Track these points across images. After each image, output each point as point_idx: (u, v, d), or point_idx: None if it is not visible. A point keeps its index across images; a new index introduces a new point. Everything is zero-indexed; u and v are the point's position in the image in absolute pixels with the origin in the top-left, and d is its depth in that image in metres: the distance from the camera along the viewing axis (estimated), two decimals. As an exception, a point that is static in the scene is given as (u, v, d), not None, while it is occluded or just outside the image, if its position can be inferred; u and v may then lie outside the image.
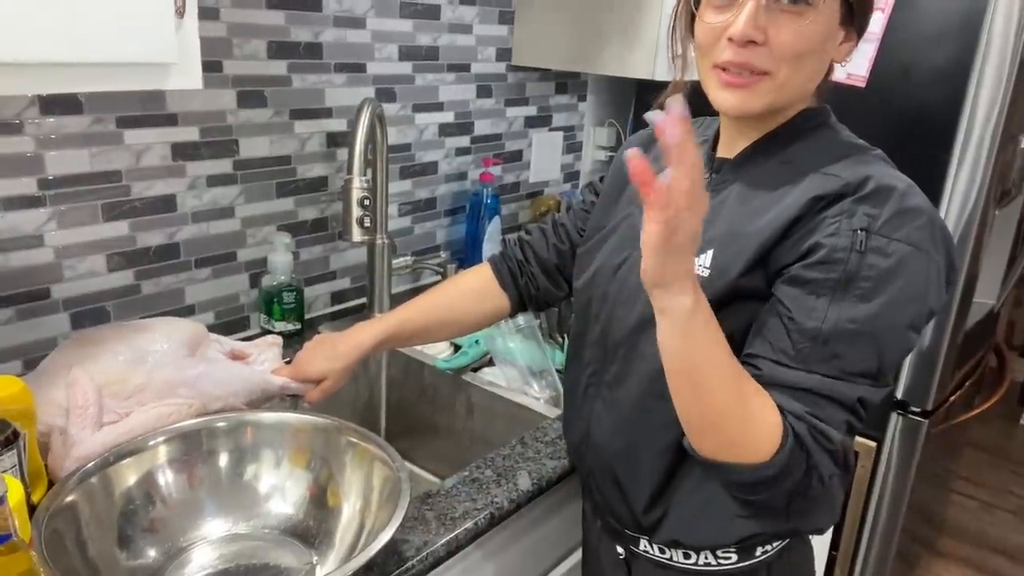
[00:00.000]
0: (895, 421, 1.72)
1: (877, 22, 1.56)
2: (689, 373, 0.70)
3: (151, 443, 0.88)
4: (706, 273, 0.76)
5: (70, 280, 1.13)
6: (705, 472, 0.79)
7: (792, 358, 0.71)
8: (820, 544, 1.84)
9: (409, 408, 1.40)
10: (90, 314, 1.16)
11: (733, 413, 0.70)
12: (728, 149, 0.84)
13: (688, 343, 0.68)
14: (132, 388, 0.92)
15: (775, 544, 0.85)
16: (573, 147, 1.97)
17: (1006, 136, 1.54)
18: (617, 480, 0.87)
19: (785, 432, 0.70)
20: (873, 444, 1.75)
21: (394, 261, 1.48)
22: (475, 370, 1.35)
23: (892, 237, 0.70)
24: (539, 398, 1.27)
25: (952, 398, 1.83)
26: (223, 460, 0.93)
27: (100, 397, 0.88)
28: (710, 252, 0.77)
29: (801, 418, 0.70)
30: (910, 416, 1.70)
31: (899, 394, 1.70)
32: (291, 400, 1.04)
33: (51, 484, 0.83)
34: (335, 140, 1.42)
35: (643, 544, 0.89)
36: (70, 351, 0.93)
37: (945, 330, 1.62)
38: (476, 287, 1.09)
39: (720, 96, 0.76)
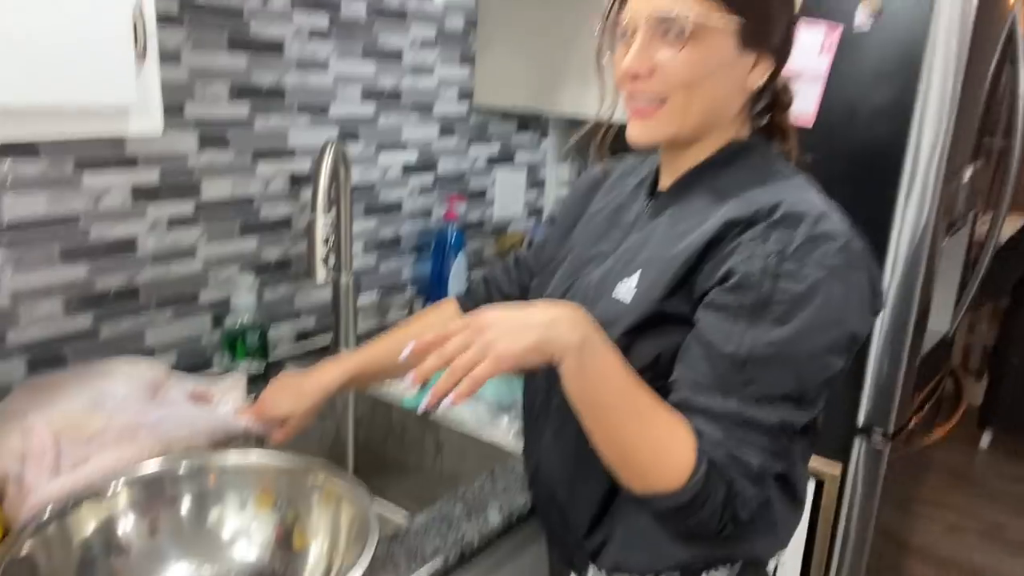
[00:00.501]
0: (858, 446, 1.75)
1: (823, 63, 1.62)
2: (591, 410, 0.71)
3: (110, 489, 0.86)
4: (631, 297, 0.78)
5: (26, 325, 1.11)
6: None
7: (711, 383, 0.71)
8: (790, 570, 1.85)
9: (377, 447, 1.38)
10: (47, 359, 1.14)
11: (640, 445, 0.71)
12: (665, 181, 0.86)
13: (584, 381, 0.70)
14: (91, 433, 0.90)
15: (722, 569, 0.85)
16: (536, 183, 2.00)
17: (950, 170, 1.60)
18: (561, 507, 0.88)
19: (699, 459, 0.70)
20: (838, 470, 1.78)
21: (360, 299, 1.48)
22: (442, 407, 1.35)
23: (805, 262, 0.70)
24: (508, 433, 1.27)
25: (912, 422, 1.87)
26: (186, 505, 0.91)
27: (58, 443, 0.86)
28: (637, 274, 0.79)
29: (719, 444, 0.70)
30: (872, 441, 1.73)
31: (860, 419, 1.74)
32: (256, 441, 1.02)
33: (6, 533, 0.81)
34: (299, 180, 1.42)
35: (591, 571, 0.89)
36: (26, 396, 0.91)
37: (901, 356, 1.67)
38: (441, 324, 1.09)
39: (629, 127, 0.80)
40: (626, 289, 0.79)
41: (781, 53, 0.79)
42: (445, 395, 0.68)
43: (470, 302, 1.09)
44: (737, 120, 0.82)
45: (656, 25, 0.74)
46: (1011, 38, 1.86)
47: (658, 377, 0.75)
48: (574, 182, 1.05)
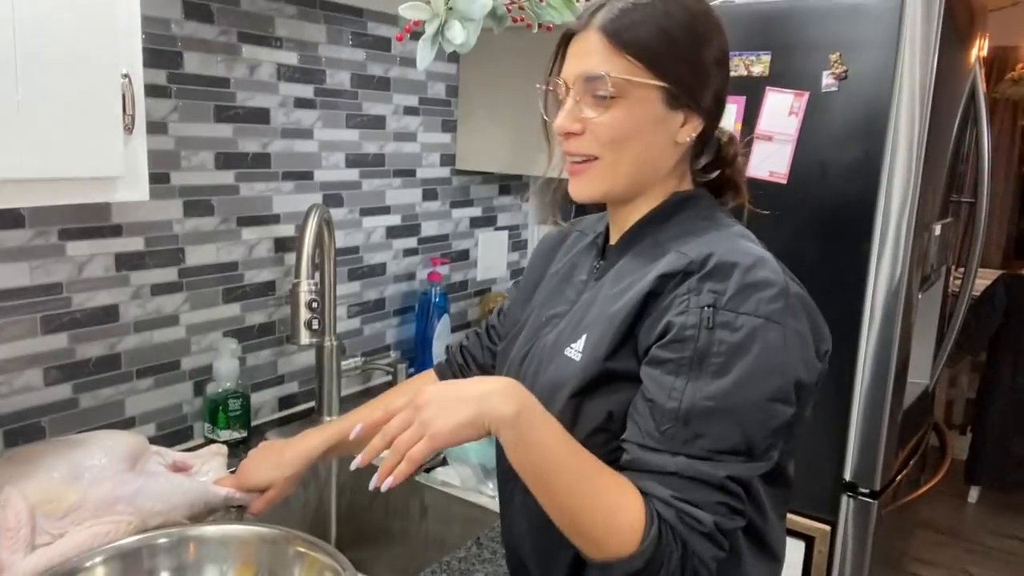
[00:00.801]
0: (846, 503, 1.74)
1: (792, 125, 1.68)
2: (535, 480, 0.71)
3: (87, 564, 0.84)
4: (578, 357, 0.79)
5: (4, 396, 1.09)
6: None
7: (657, 440, 0.71)
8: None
9: (361, 513, 1.36)
10: (24, 431, 1.12)
11: (588, 512, 0.70)
12: (614, 237, 0.88)
13: (524, 452, 0.70)
14: (67, 507, 0.88)
15: None
16: (518, 245, 2.03)
17: (920, 225, 1.65)
18: (529, 573, 0.87)
19: (649, 520, 0.68)
20: (828, 528, 1.76)
21: (343, 363, 1.47)
22: (428, 471, 1.33)
23: (739, 311, 0.71)
24: (494, 496, 1.26)
25: (898, 478, 1.86)
26: (164, 579, 0.88)
27: (33, 517, 0.83)
28: (584, 337, 0.80)
29: (669, 503, 0.69)
30: (859, 498, 1.73)
31: (847, 476, 1.73)
32: (236, 511, 1.00)
33: (-25, 616, 0.78)
34: (283, 245, 1.43)
35: None
36: (2, 470, 0.89)
37: (883, 409, 1.68)
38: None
39: (569, 185, 0.83)
40: (575, 350, 0.80)
41: (712, 112, 0.81)
42: (389, 474, 0.70)
43: (449, 371, 1.09)
44: (676, 173, 0.84)
45: (584, 85, 0.78)
46: (973, 97, 1.94)
47: (613, 436, 0.75)
48: (538, 243, 1.07)
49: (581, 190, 0.82)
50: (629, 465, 0.72)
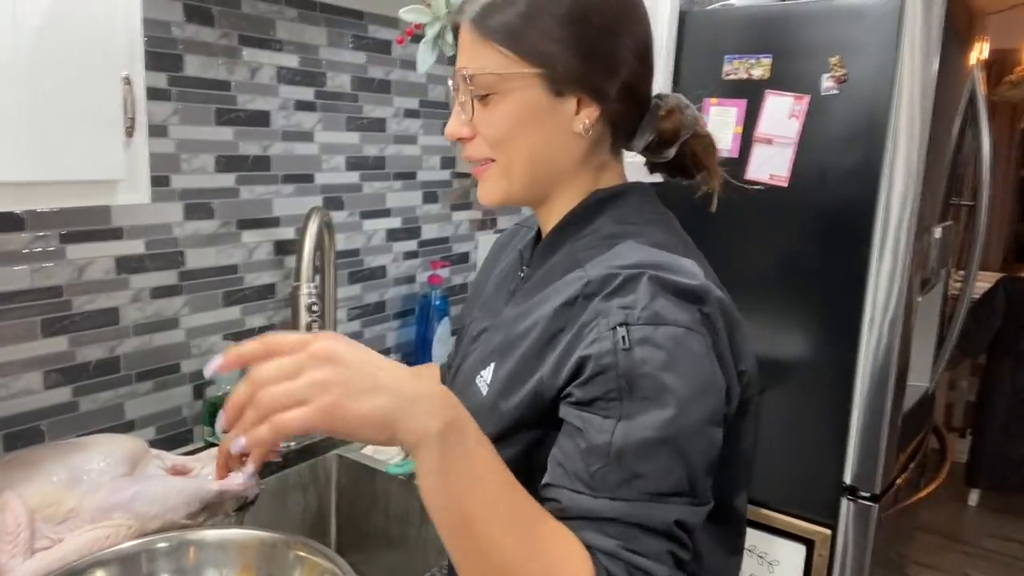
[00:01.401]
0: (846, 507, 1.74)
1: (792, 128, 1.68)
2: (455, 525, 0.55)
3: (86, 569, 0.84)
4: (485, 390, 0.71)
5: (4, 399, 1.09)
6: None
7: (590, 484, 0.60)
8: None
9: (360, 517, 1.36)
10: (24, 434, 1.12)
11: (527, 569, 0.55)
12: (541, 241, 0.81)
13: (444, 482, 0.54)
14: (66, 511, 0.88)
15: None
16: (518, 248, 2.02)
17: (920, 228, 1.65)
18: None
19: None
20: (828, 531, 1.76)
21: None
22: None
23: (657, 323, 0.61)
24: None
25: (898, 481, 1.86)
26: (163, 583, 0.88)
27: (32, 521, 0.83)
28: (491, 366, 0.72)
29: (615, 555, 0.57)
30: (860, 501, 1.73)
31: (847, 479, 1.73)
32: (236, 515, 1.00)
33: (-26, 620, 0.78)
34: (283, 248, 1.43)
35: None
36: (1, 473, 0.89)
37: (884, 412, 1.68)
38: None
39: (477, 190, 0.77)
40: (483, 380, 0.72)
41: (621, 97, 0.72)
42: (243, 432, 0.53)
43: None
44: (591, 166, 0.75)
45: (463, 86, 0.71)
46: (973, 100, 1.94)
47: (528, 481, 0.60)
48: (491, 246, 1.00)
49: (483, 194, 0.75)
50: (560, 514, 0.60)
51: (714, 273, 0.73)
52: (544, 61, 0.68)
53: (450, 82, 0.75)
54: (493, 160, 0.73)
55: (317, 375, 0.51)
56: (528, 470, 0.63)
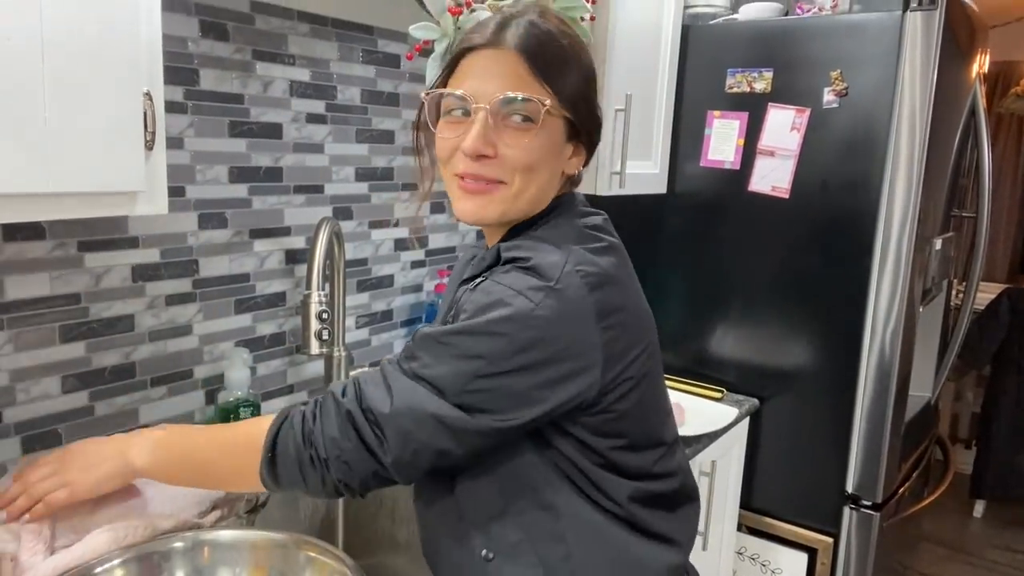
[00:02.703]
0: (848, 515, 1.75)
1: (794, 140, 1.71)
2: (190, 482, 0.88)
3: (104, 567, 0.86)
4: None
5: (23, 403, 1.12)
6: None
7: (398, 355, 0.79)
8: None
9: (368, 521, 1.38)
10: (41, 437, 1.15)
11: (229, 459, 0.83)
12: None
13: (173, 479, 0.87)
14: (85, 511, 0.91)
15: None
16: (524, 258, 2.05)
17: (921, 239, 1.67)
18: None
19: (274, 423, 0.79)
20: (830, 539, 1.77)
21: (352, 373, 1.50)
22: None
23: (501, 283, 0.74)
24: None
25: (901, 490, 1.87)
26: (178, 582, 0.91)
27: (53, 522, 0.86)
28: None
29: (316, 401, 0.78)
30: (862, 510, 1.74)
31: (849, 488, 1.75)
32: (248, 516, 1.03)
33: (-4, 616, 0.81)
34: (294, 257, 1.46)
35: None
36: (22, 475, 0.92)
37: (885, 421, 1.69)
38: None
39: (459, 204, 0.82)
40: None
41: (591, 143, 0.87)
42: (22, 514, 0.83)
43: None
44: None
45: (502, 107, 0.77)
46: (974, 111, 1.96)
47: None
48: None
49: (476, 212, 0.81)
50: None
51: (616, 261, 0.82)
52: (572, 109, 0.80)
53: (435, 97, 0.82)
54: (502, 183, 0.79)
55: (64, 470, 0.87)
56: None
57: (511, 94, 0.76)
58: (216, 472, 0.84)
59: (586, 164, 0.88)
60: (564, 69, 0.79)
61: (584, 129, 0.83)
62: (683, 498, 0.89)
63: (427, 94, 0.84)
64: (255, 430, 0.80)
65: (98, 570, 0.86)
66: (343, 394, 0.77)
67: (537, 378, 0.72)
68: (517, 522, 0.79)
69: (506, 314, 0.72)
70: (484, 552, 0.80)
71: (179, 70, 1.23)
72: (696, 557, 1.02)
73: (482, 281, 0.77)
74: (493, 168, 0.78)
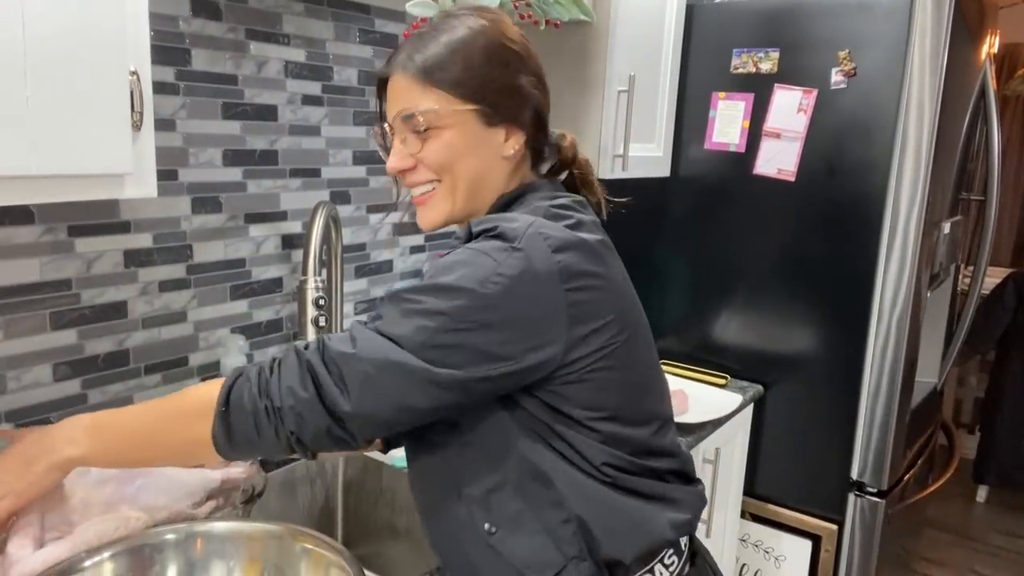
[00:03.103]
0: (853, 502, 1.74)
1: (800, 122, 1.67)
2: (130, 463, 0.86)
3: (95, 560, 0.84)
4: None
5: (13, 392, 1.10)
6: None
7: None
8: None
9: (367, 510, 1.36)
10: (33, 425, 1.12)
11: (169, 441, 0.81)
12: None
13: (110, 463, 0.84)
14: (76, 503, 0.89)
15: None
16: (525, 243, 2.02)
17: (929, 224, 1.64)
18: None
19: (228, 378, 0.78)
20: (835, 527, 1.76)
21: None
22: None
23: (469, 247, 0.78)
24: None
25: (906, 477, 1.86)
26: (171, 574, 0.89)
27: (42, 513, 0.84)
28: None
29: (274, 357, 0.78)
30: (867, 497, 1.72)
31: (854, 475, 1.73)
32: (244, 507, 1.01)
33: (-15, 610, 0.79)
34: (290, 242, 1.44)
35: None
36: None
37: (892, 406, 1.67)
38: None
39: (417, 217, 0.90)
40: None
41: (535, 124, 0.88)
42: None
43: None
44: (513, 183, 0.89)
45: (402, 124, 0.85)
46: (983, 94, 1.93)
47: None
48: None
49: (425, 218, 0.89)
50: None
51: (586, 235, 0.82)
52: (477, 99, 0.84)
53: (377, 128, 0.90)
54: (438, 181, 0.86)
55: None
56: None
57: (404, 113, 0.84)
58: (164, 443, 0.81)
59: (536, 140, 0.89)
60: (451, 68, 0.83)
61: (503, 112, 0.85)
62: (682, 479, 0.90)
63: (373, 131, 0.95)
64: (204, 393, 0.79)
65: (88, 563, 0.84)
66: (306, 347, 0.78)
67: (500, 335, 0.74)
68: (515, 492, 0.80)
69: (469, 272, 0.75)
70: (487, 527, 0.81)
71: (170, 50, 1.20)
72: (700, 547, 1.01)
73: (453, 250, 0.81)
74: (420, 174, 0.86)
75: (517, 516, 0.80)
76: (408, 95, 0.84)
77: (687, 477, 0.90)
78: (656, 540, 0.83)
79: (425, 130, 0.84)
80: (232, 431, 0.77)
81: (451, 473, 0.83)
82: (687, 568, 0.88)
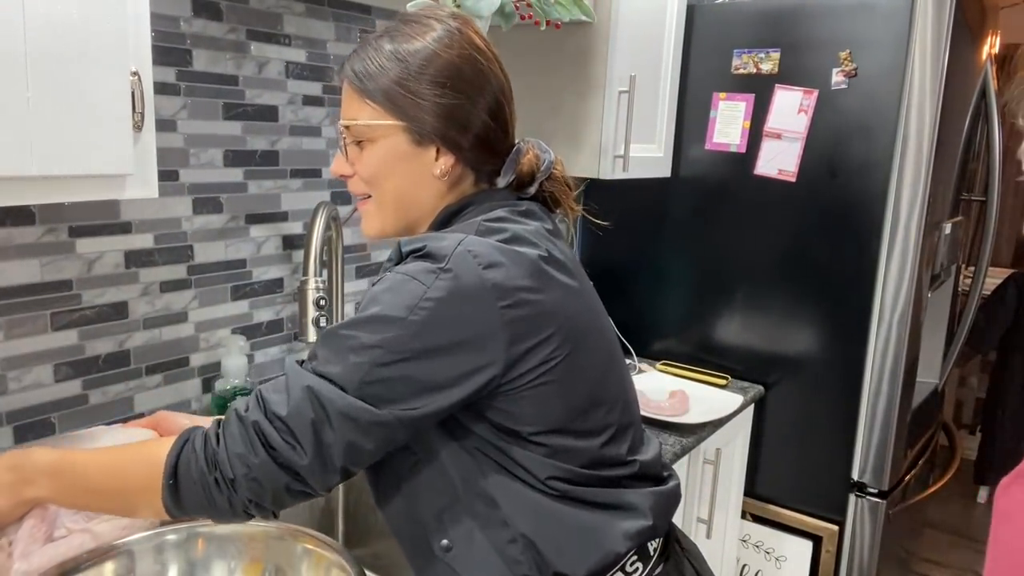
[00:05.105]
0: (854, 503, 1.73)
1: (801, 123, 1.67)
2: (84, 504, 0.82)
3: (97, 559, 0.84)
4: None
5: (14, 392, 1.10)
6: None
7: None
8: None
9: (368, 511, 1.36)
10: (34, 426, 1.13)
11: (125, 482, 0.78)
12: None
13: (66, 503, 0.82)
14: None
15: None
16: (526, 243, 2.02)
17: (930, 224, 1.64)
18: None
19: (173, 448, 0.76)
20: (836, 527, 1.76)
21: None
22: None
23: (396, 271, 0.75)
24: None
25: (907, 477, 1.86)
26: (173, 574, 0.89)
27: (55, 511, 0.84)
28: None
29: (218, 421, 0.77)
30: (868, 497, 1.72)
31: (855, 475, 1.73)
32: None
33: (-13, 608, 0.79)
34: (291, 243, 1.44)
35: None
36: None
37: (893, 407, 1.67)
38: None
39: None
40: None
41: (476, 145, 0.84)
42: None
43: None
44: (448, 201, 0.86)
45: (345, 132, 0.85)
46: (984, 94, 1.93)
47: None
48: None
49: (364, 228, 0.89)
50: None
51: (520, 243, 0.79)
52: (407, 117, 0.82)
53: (336, 127, 0.90)
54: (370, 196, 0.87)
55: None
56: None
57: (341, 123, 0.85)
58: (117, 503, 0.80)
59: (476, 160, 0.85)
60: (385, 81, 0.81)
61: (435, 131, 0.82)
62: (647, 482, 0.88)
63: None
64: (155, 458, 0.77)
65: (90, 562, 0.84)
66: (246, 409, 0.75)
67: (438, 363, 0.73)
68: (464, 511, 0.80)
69: (398, 300, 0.73)
70: (444, 542, 0.81)
71: (171, 50, 1.20)
72: (700, 545, 1.01)
73: (384, 274, 0.79)
74: (355, 184, 0.87)
75: (469, 535, 0.80)
76: (348, 103, 0.85)
77: (654, 478, 0.89)
78: (608, 554, 0.81)
79: (359, 142, 0.84)
80: (182, 501, 0.76)
81: (407, 491, 0.82)
82: (658, 569, 0.86)
